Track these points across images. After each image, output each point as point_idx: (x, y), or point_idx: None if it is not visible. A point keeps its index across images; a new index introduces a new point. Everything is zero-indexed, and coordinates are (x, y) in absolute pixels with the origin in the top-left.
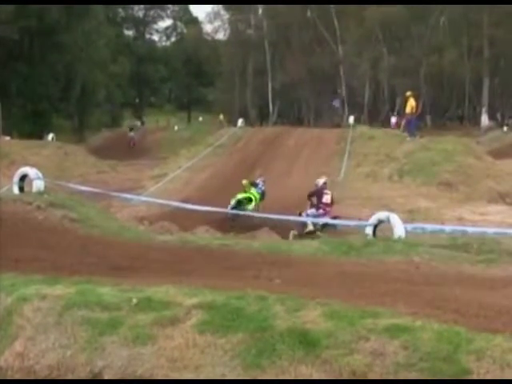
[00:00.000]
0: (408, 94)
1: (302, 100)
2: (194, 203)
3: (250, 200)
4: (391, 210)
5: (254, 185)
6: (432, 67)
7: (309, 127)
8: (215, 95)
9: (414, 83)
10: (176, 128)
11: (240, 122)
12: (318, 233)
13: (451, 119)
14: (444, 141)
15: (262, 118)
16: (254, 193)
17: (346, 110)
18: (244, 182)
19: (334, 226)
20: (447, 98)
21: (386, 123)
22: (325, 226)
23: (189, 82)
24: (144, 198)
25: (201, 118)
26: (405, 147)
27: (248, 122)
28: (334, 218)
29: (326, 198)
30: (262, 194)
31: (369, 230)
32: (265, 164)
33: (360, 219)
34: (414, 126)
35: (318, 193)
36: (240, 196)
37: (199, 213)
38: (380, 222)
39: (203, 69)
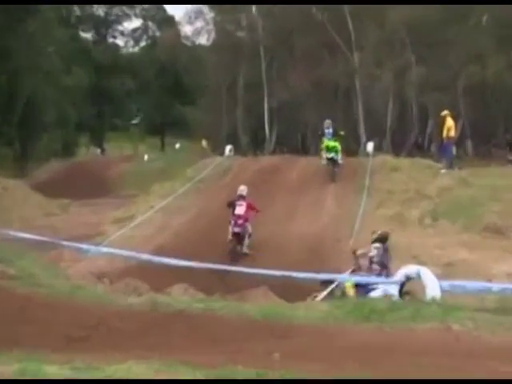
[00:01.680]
0: (444, 113)
1: (308, 122)
2: (169, 255)
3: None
4: (422, 264)
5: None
6: (472, 79)
7: (316, 157)
8: (196, 115)
9: (450, 100)
10: (146, 157)
11: (228, 149)
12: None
13: (498, 146)
14: (489, 173)
15: (257, 144)
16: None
17: (363, 134)
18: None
19: (364, 289)
20: (492, 119)
21: (415, 151)
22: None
23: (163, 99)
24: (104, 249)
25: (178, 145)
26: (439, 182)
27: (238, 150)
28: (352, 271)
29: (238, 210)
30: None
31: (394, 290)
32: (260, 204)
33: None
34: (451, 153)
35: (233, 203)
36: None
37: (176, 268)
38: (408, 278)
39: (181, 81)
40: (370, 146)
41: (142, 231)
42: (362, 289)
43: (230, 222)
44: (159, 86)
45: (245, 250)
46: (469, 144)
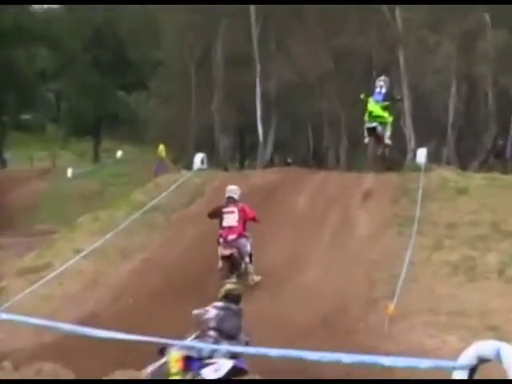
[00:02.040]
0: None
1: (322, 117)
2: (105, 324)
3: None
4: (504, 339)
5: None
6: None
7: (336, 170)
8: (149, 107)
9: None
10: (70, 172)
11: (199, 160)
12: None
13: None
14: None
15: (244, 152)
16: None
17: (412, 136)
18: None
19: (197, 364)
20: None
21: (491, 162)
22: None
23: (97, 82)
24: (3, 316)
25: (120, 153)
26: None
27: (216, 161)
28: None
29: (228, 220)
30: None
31: (460, 375)
32: (253, 245)
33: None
34: None
35: (219, 212)
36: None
37: (115, 344)
38: (482, 360)
39: (125, 56)
40: (422, 155)
41: (63, 288)
42: (195, 363)
43: (218, 242)
44: (91, 63)
45: (249, 279)
46: None
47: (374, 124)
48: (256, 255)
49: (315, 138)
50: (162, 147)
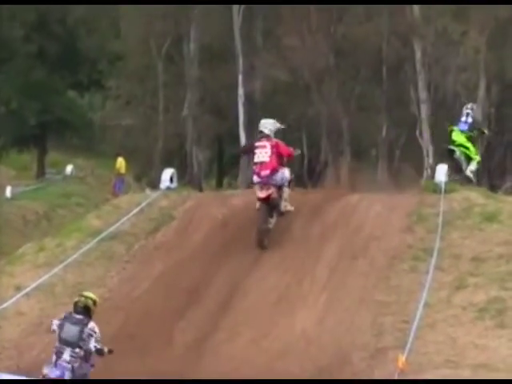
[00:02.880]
0: None
1: (321, 125)
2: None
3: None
4: None
5: None
6: None
7: (336, 189)
8: (105, 112)
9: None
10: (9, 192)
11: (168, 176)
12: None
13: None
14: None
15: (223, 168)
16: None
17: (430, 149)
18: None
19: None
20: None
21: None
22: None
23: (42, 80)
24: None
25: (70, 168)
26: None
27: (188, 178)
28: None
29: (260, 155)
30: None
31: None
32: (229, 286)
33: None
34: None
35: (251, 147)
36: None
37: None
38: None
39: (77, 48)
40: (443, 173)
41: (1, 333)
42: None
43: (251, 181)
44: (34, 56)
45: (282, 206)
46: None
47: (455, 148)
48: (236, 294)
49: (311, 150)
50: (121, 161)
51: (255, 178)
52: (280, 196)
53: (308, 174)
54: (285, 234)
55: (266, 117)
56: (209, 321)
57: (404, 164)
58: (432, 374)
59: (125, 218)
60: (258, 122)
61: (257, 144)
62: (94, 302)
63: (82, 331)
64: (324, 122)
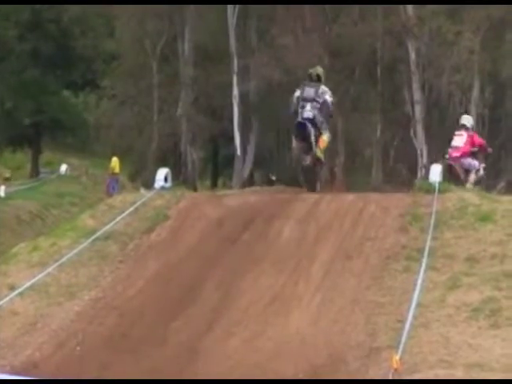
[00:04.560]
0: None
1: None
2: (46, 377)
3: None
4: None
5: None
6: None
7: (330, 190)
8: (100, 111)
9: None
10: (2, 191)
11: (162, 176)
12: None
13: None
14: None
15: (217, 168)
16: None
17: (424, 149)
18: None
19: None
20: None
21: None
22: None
23: (36, 79)
24: None
25: (64, 168)
26: None
27: (183, 178)
28: None
29: (456, 141)
30: None
31: None
32: (226, 286)
33: None
34: None
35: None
36: None
37: None
38: None
39: (72, 48)
40: (437, 173)
41: None
42: None
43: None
44: (28, 56)
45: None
46: None
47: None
48: (230, 294)
49: None
50: (115, 160)
51: (448, 160)
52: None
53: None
54: (280, 235)
55: (261, 117)
56: (203, 320)
57: (398, 164)
58: (426, 374)
59: (119, 218)
60: (252, 122)
61: (456, 133)
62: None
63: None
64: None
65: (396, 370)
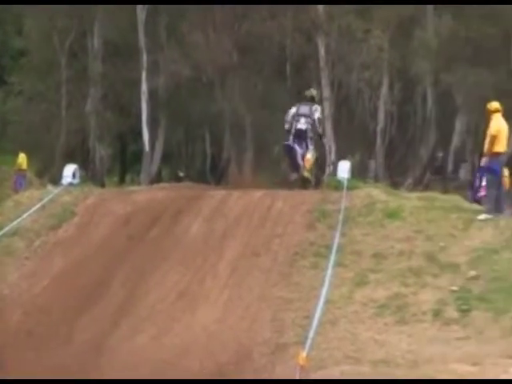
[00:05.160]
0: (493, 106)
1: (224, 122)
2: None
3: None
4: None
5: None
6: None
7: (239, 186)
8: (7, 107)
9: (501, 81)
10: None
11: (70, 172)
12: None
13: None
14: None
15: (125, 164)
16: None
17: (333, 146)
18: None
19: None
20: None
21: (430, 178)
22: None
23: None
24: None
25: None
26: (474, 239)
27: (91, 174)
28: None
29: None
30: None
31: None
32: (136, 280)
33: None
34: (496, 185)
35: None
36: None
37: None
38: None
39: None
40: (345, 170)
41: None
42: None
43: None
44: None
45: None
46: None
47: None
48: (138, 291)
49: (214, 146)
50: (23, 157)
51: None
52: None
53: (211, 171)
54: (187, 231)
55: (170, 114)
56: (110, 318)
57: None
58: (332, 370)
59: (26, 214)
60: (161, 119)
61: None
62: None
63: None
64: (227, 119)
65: (303, 366)
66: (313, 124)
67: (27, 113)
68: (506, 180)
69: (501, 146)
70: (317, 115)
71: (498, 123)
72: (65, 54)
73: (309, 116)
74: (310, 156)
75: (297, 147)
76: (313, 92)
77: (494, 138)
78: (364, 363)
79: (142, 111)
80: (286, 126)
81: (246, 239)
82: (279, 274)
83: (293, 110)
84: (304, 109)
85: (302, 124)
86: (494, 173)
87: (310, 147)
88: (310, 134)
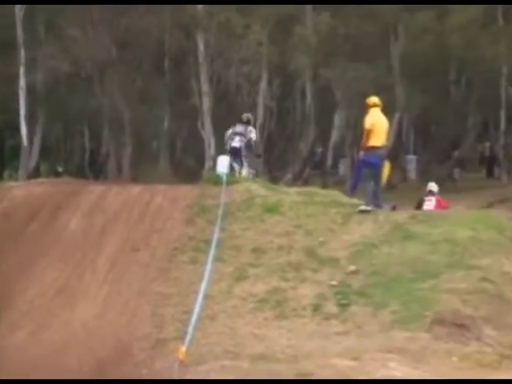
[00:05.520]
0: (371, 100)
1: (103, 117)
2: None
3: None
4: None
5: None
6: (414, 42)
7: (118, 181)
8: None
9: (379, 76)
10: None
11: None
12: None
13: (464, 163)
14: (449, 216)
15: (3, 161)
16: None
17: (212, 141)
18: None
19: None
20: (458, 116)
21: (310, 173)
22: None
23: None
24: None
25: None
26: (353, 233)
27: None
28: None
29: (427, 205)
30: None
31: None
32: (13, 278)
33: None
34: (374, 179)
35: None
36: None
37: None
38: None
39: None
40: (224, 165)
41: None
42: None
43: None
44: None
45: None
46: (412, 162)
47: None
48: (17, 287)
49: (93, 141)
50: None
51: None
52: None
53: (89, 166)
54: (66, 227)
55: (48, 109)
56: None
57: (186, 155)
58: (212, 365)
59: None
60: (39, 114)
61: (426, 198)
62: None
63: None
64: (106, 114)
65: (182, 361)
66: (247, 142)
67: None
68: (384, 171)
69: (377, 140)
70: (252, 135)
71: (373, 117)
72: None
73: (243, 135)
74: (244, 172)
75: (234, 164)
76: (249, 116)
77: (369, 132)
78: (243, 358)
79: (20, 106)
80: (226, 146)
81: (126, 234)
82: (158, 269)
83: (229, 131)
84: (239, 128)
85: (237, 142)
86: (370, 166)
87: (245, 164)
88: (243, 152)
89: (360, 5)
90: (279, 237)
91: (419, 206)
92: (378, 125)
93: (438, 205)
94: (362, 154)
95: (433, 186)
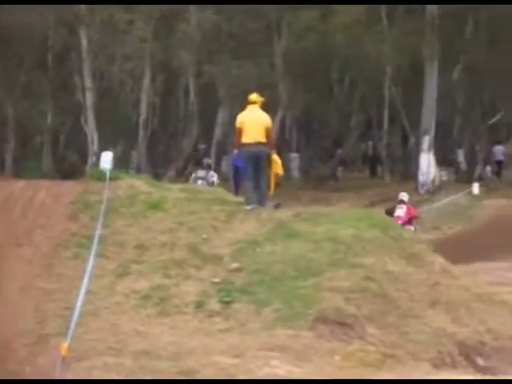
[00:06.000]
0: (249, 97)
1: None
2: None
3: None
4: None
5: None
6: (297, 40)
7: (1, 176)
8: None
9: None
10: None
11: None
12: None
13: (347, 162)
14: (332, 214)
15: None
16: None
17: (95, 137)
18: None
19: None
20: (341, 115)
21: (193, 169)
22: None
23: None
24: None
25: None
26: (237, 231)
27: None
28: None
29: (398, 212)
30: None
31: None
32: None
33: None
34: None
35: (393, 209)
36: None
37: None
38: None
39: None
40: (107, 161)
41: None
42: None
43: None
44: None
45: None
46: (295, 160)
47: None
48: None
49: None
50: None
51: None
52: None
53: None
54: None
55: None
56: None
57: (69, 151)
58: (94, 361)
59: None
60: None
61: (397, 206)
62: None
63: None
64: None
65: (64, 357)
66: (210, 186)
67: None
68: (276, 166)
69: (247, 137)
70: (214, 179)
71: (243, 115)
72: None
73: (205, 179)
74: None
75: None
76: (209, 161)
77: (239, 130)
78: (126, 355)
79: None
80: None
81: (9, 230)
82: (41, 264)
83: (193, 175)
84: (202, 173)
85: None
86: (238, 169)
87: None
88: None
89: (244, 4)
90: (163, 233)
91: (390, 213)
92: (247, 122)
93: (408, 212)
94: (235, 152)
95: (404, 196)
